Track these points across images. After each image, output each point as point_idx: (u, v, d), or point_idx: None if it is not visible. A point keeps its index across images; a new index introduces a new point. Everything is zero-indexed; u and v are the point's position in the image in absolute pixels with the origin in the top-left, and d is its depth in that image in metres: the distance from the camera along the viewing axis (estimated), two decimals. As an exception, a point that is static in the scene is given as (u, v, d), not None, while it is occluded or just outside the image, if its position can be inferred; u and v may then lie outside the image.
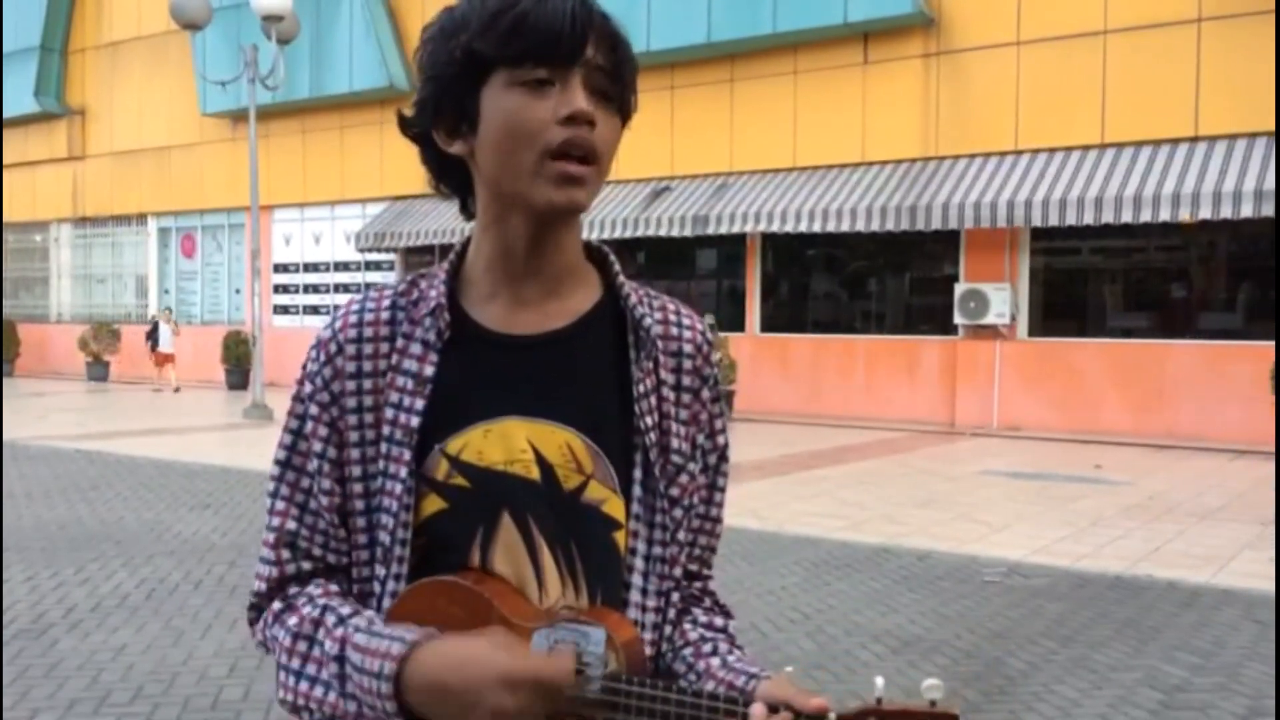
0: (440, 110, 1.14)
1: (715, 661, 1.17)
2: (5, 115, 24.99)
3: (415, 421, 1.13)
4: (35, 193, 26.45)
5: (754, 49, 16.32)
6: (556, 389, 1.16)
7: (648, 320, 1.20)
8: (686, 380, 1.22)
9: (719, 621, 1.25)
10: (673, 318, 1.24)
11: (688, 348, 1.23)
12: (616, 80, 1.13)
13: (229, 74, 17.48)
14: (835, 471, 10.98)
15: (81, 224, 26.12)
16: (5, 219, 26.22)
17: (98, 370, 23.57)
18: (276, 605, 1.17)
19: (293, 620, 1.13)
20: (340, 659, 1.08)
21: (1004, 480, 10.50)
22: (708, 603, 1.28)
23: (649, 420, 1.17)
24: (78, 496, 9.16)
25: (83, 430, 14.08)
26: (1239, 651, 5.15)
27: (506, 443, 1.14)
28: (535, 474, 1.14)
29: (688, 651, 1.20)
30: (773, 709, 0.99)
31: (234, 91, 19.07)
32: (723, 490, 1.28)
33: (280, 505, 1.18)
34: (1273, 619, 5.63)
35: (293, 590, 1.17)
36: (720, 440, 1.26)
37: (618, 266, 1.24)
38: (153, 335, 21.13)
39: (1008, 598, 6.09)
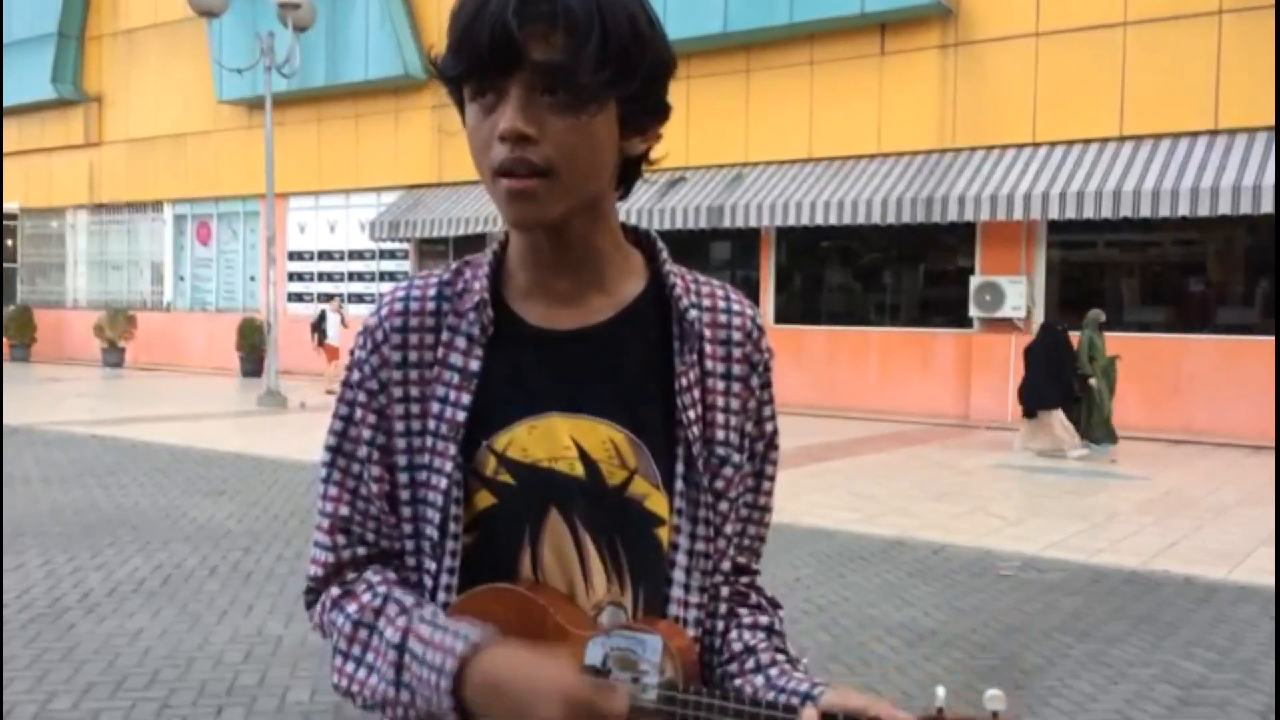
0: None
1: (759, 680, 1.15)
2: (23, 101, 25.09)
3: (462, 416, 1.13)
4: (52, 179, 26.55)
5: (770, 39, 16.26)
6: (598, 384, 1.14)
7: (692, 313, 1.17)
8: (737, 369, 1.19)
9: (764, 620, 1.22)
10: (721, 304, 1.20)
11: (737, 335, 1.20)
12: (578, 69, 1.02)
13: (245, 61, 17.51)
14: (849, 464, 10.96)
15: (98, 210, 26.20)
16: (22, 205, 26.32)
17: (113, 356, 23.68)
18: (335, 591, 1.17)
19: (352, 607, 1.14)
20: (400, 647, 1.09)
21: (1019, 474, 10.46)
22: (754, 599, 1.25)
23: (691, 414, 1.15)
24: (94, 482, 9.20)
25: (98, 416, 14.15)
26: (1257, 648, 5.12)
27: (550, 439, 1.13)
28: (579, 470, 1.13)
29: (733, 667, 1.17)
30: (830, 718, 0.97)
31: (250, 79, 19.09)
32: (772, 479, 1.25)
33: (333, 491, 1.18)
34: (1290, 616, 5.60)
35: (350, 576, 1.18)
36: (768, 428, 1.23)
37: (665, 253, 1.20)
38: (319, 326, 18.88)
39: (1023, 592, 6.08)
